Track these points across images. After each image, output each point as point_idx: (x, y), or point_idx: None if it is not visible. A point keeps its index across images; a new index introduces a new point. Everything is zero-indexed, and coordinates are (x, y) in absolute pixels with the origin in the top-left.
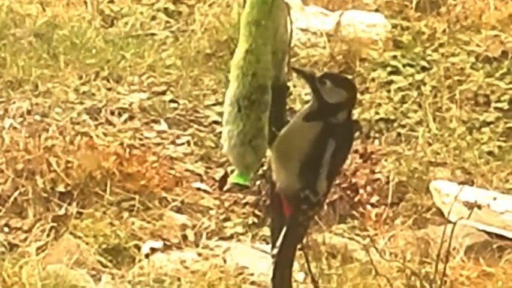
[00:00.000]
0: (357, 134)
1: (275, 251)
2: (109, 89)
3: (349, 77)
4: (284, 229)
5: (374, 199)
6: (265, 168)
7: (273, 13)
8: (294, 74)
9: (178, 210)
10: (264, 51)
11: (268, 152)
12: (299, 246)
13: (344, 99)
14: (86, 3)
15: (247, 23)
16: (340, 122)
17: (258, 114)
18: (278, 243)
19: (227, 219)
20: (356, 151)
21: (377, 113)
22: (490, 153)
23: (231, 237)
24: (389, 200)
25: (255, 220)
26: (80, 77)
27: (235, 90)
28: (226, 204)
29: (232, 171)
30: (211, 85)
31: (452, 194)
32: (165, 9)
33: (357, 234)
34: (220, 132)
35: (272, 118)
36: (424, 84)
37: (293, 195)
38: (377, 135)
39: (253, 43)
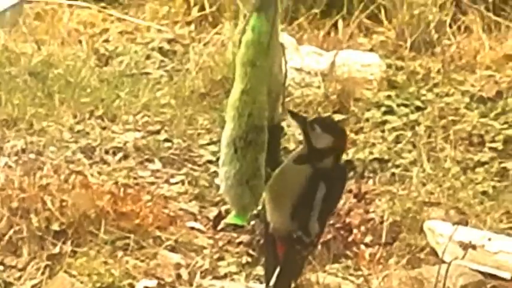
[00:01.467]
0: (351, 173)
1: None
2: (103, 128)
3: (343, 117)
4: (278, 268)
5: (368, 239)
6: (259, 208)
7: (268, 53)
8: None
9: (173, 249)
10: (259, 92)
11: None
12: (293, 285)
13: (331, 145)
14: (80, 42)
15: (243, 63)
16: (328, 167)
17: (255, 154)
18: (272, 283)
19: (221, 258)
20: (350, 191)
21: (371, 152)
22: (484, 193)
23: (225, 276)
24: (383, 240)
25: (249, 259)
26: (75, 116)
27: (232, 131)
28: (220, 243)
29: (226, 211)
30: (206, 124)
31: (446, 234)
32: (160, 48)
33: (351, 274)
34: (214, 172)
35: (266, 158)
36: (419, 124)
37: (286, 236)
38: (371, 175)
39: (249, 83)
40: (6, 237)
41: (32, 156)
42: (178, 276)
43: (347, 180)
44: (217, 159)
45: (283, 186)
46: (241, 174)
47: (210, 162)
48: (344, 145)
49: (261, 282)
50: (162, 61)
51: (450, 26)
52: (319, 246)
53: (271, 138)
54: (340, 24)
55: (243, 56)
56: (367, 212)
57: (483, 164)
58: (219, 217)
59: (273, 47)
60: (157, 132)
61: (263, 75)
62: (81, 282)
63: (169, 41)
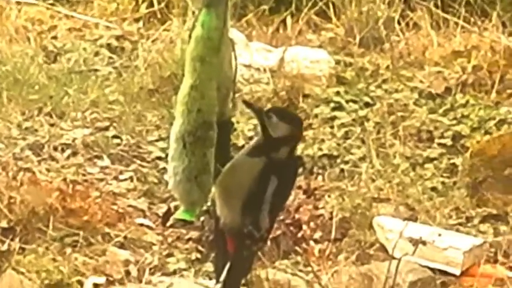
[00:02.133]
0: (300, 169)
1: (218, 286)
2: (52, 125)
3: None
4: (228, 264)
5: (317, 235)
6: (209, 203)
7: (218, 49)
8: (239, 109)
9: (121, 246)
10: (208, 87)
11: (213, 188)
12: (243, 281)
13: (288, 134)
14: (28, 39)
15: (192, 58)
16: (283, 158)
17: (203, 150)
18: (222, 278)
19: (170, 254)
20: (299, 187)
21: (320, 149)
22: (433, 189)
23: (174, 272)
24: (332, 236)
25: (198, 256)
26: (23, 113)
27: (181, 127)
28: (169, 239)
29: (175, 207)
30: (155, 121)
31: (395, 229)
32: (108, 45)
33: (300, 270)
34: (163, 168)
35: (216, 154)
36: (368, 120)
37: (236, 231)
38: (320, 171)
39: (198, 79)
40: None
41: None
42: (127, 273)
43: (298, 175)
44: (167, 155)
45: (234, 180)
46: (190, 169)
47: (159, 158)
48: (300, 134)
49: (211, 279)
50: (110, 58)
51: (399, 23)
52: (269, 242)
53: (221, 134)
54: (289, 20)
55: (193, 51)
56: (316, 208)
57: (432, 160)
58: (168, 213)
59: (223, 42)
60: (106, 128)
61: (212, 70)
62: (30, 280)
63: (118, 38)
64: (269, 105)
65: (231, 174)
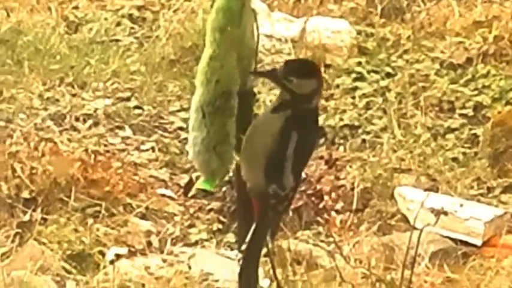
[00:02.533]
0: (322, 140)
1: (244, 246)
2: (73, 95)
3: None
4: (253, 225)
5: (339, 205)
6: (230, 174)
7: (239, 19)
8: (260, 80)
9: (143, 217)
10: (228, 58)
11: (236, 157)
12: (264, 252)
13: (315, 87)
14: (50, 9)
15: (213, 29)
16: (313, 107)
17: (223, 120)
18: (247, 239)
19: (192, 225)
20: (321, 157)
21: (341, 119)
22: (454, 159)
23: (195, 243)
24: (354, 207)
25: (220, 226)
26: (44, 83)
27: (200, 97)
28: (191, 210)
29: (197, 178)
30: (176, 91)
31: (417, 200)
32: (130, 15)
33: (322, 241)
34: (185, 139)
35: (238, 124)
36: (389, 90)
37: (261, 192)
38: (342, 141)
39: (217, 49)
40: None
41: (2, 123)
42: (149, 243)
43: (319, 127)
44: (188, 126)
45: (256, 141)
46: (209, 139)
47: (180, 129)
48: (322, 81)
49: (232, 249)
50: (132, 28)
51: None
52: (291, 213)
53: (243, 104)
54: None
55: (213, 21)
56: (338, 178)
57: (453, 130)
58: (190, 184)
59: (244, 13)
60: (128, 99)
61: (233, 41)
62: (51, 250)
63: (139, 8)
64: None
65: (252, 135)
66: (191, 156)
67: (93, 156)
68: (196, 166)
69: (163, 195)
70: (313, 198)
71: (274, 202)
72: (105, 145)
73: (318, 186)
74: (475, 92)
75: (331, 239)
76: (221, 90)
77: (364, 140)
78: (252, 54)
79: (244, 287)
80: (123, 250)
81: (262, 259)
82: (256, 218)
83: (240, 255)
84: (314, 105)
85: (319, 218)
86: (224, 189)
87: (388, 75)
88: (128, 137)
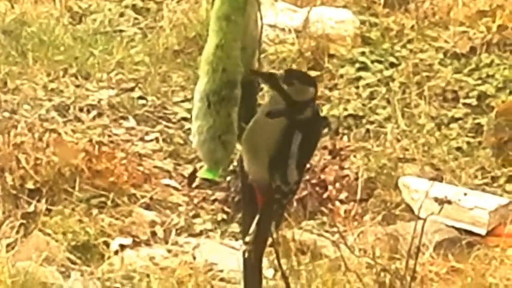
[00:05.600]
0: (326, 130)
1: (248, 238)
2: (77, 86)
3: (318, 73)
4: (257, 217)
5: (343, 195)
6: (235, 164)
7: (244, 8)
8: (264, 70)
9: (148, 207)
10: (234, 47)
11: (239, 146)
12: (269, 242)
13: (312, 96)
14: (54, 0)
15: (218, 18)
16: (308, 117)
17: (228, 109)
18: (251, 230)
19: (196, 215)
20: (325, 147)
21: (345, 109)
22: (458, 149)
23: (200, 233)
24: (358, 196)
25: (224, 217)
26: (49, 74)
27: (205, 86)
28: (195, 200)
29: (201, 168)
30: (180, 82)
31: (421, 190)
32: (134, 5)
33: (326, 231)
34: (188, 129)
35: (242, 113)
36: (393, 80)
37: (265, 187)
38: (346, 131)
39: (223, 38)
40: None
41: (6, 114)
42: (154, 234)
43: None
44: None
45: (258, 138)
46: (214, 129)
47: (184, 119)
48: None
49: (237, 240)
50: (135, 18)
51: None
52: (295, 203)
53: (246, 93)
54: None
55: (218, 10)
56: (342, 168)
57: (457, 119)
58: (194, 174)
59: (248, 2)
60: (132, 89)
61: (238, 30)
62: (56, 241)
63: None
64: (294, 66)
65: (254, 133)
66: (195, 145)
67: (97, 146)
68: (201, 155)
69: (167, 185)
70: (317, 188)
71: (279, 197)
72: (109, 136)
73: (322, 176)
74: (479, 82)
75: (335, 229)
76: (227, 79)
77: (368, 130)
78: (255, 44)
79: (249, 277)
80: (128, 240)
81: (266, 249)
82: (259, 210)
83: (244, 247)
84: (308, 115)
85: (323, 208)
86: (228, 179)
87: (392, 65)
88: (132, 128)
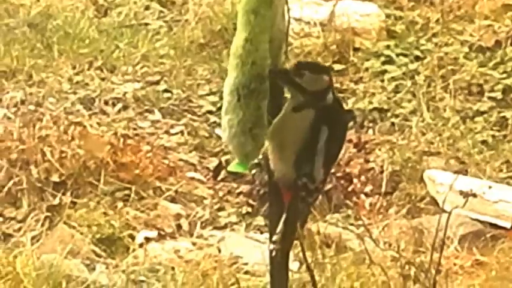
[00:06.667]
0: (351, 123)
1: (275, 237)
2: (103, 79)
3: (343, 66)
4: (284, 216)
5: (368, 188)
6: (260, 157)
7: (271, 2)
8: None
9: (173, 200)
10: (262, 40)
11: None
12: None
13: (326, 84)
14: None
15: (246, 11)
16: (331, 104)
17: (258, 102)
18: (278, 230)
19: (221, 208)
20: (350, 141)
21: (371, 102)
22: (483, 142)
23: (225, 226)
24: (383, 190)
25: (249, 210)
26: (74, 67)
27: (235, 80)
28: (221, 193)
29: (226, 161)
30: (205, 75)
31: (446, 183)
32: None
33: (351, 224)
34: (214, 122)
35: (269, 107)
36: (418, 73)
37: (291, 184)
38: (371, 124)
39: (252, 32)
40: (6, 189)
41: (31, 107)
42: (179, 226)
43: (348, 124)
44: (217, 109)
45: (284, 135)
46: (245, 122)
47: (209, 112)
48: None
49: (262, 233)
50: (161, 12)
51: None
52: (320, 196)
53: (273, 87)
54: None
55: (246, 4)
56: (367, 161)
57: (482, 113)
58: (219, 167)
59: None
60: (157, 82)
61: (266, 23)
62: (81, 234)
63: None
64: (319, 59)
65: (281, 129)
66: (225, 139)
67: (122, 139)
68: (231, 149)
69: (192, 178)
70: (342, 182)
71: (304, 194)
72: (135, 129)
73: (347, 170)
74: (504, 75)
75: (360, 222)
76: (256, 72)
77: (393, 123)
78: (282, 37)
79: (276, 274)
80: (153, 233)
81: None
82: (286, 208)
83: (272, 246)
84: (330, 101)
85: (348, 201)
86: (253, 172)
87: (417, 58)
88: (158, 121)
